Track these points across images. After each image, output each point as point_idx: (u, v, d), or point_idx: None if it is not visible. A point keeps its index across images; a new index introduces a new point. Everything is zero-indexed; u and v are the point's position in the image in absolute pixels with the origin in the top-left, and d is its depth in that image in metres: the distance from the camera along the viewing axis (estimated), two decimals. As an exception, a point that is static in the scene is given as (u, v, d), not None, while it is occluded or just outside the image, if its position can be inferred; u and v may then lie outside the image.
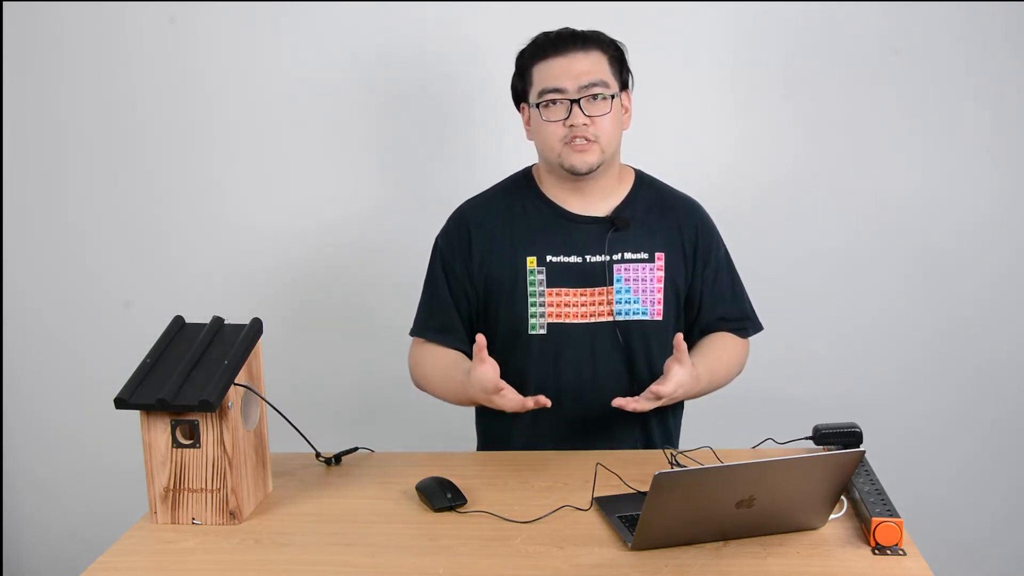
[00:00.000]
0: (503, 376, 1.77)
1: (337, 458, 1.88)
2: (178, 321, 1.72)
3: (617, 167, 1.96)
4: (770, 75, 2.50)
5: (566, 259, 1.91)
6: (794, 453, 1.78)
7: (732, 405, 2.23)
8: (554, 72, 1.85)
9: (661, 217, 1.96)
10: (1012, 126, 2.49)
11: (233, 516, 1.61)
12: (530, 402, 1.74)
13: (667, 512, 1.43)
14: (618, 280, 1.91)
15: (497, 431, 1.99)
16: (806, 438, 1.82)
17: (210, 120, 2.58)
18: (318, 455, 1.87)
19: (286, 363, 2.24)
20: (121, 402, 1.56)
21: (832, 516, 1.54)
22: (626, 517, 1.55)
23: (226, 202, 2.62)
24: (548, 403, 1.75)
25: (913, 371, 2.60)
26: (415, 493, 1.69)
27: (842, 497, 1.59)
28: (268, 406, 1.74)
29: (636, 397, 1.77)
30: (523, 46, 1.91)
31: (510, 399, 1.74)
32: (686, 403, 2.04)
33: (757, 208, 2.53)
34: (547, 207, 1.95)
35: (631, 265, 1.92)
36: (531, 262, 1.92)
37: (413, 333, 2.02)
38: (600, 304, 1.91)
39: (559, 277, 1.91)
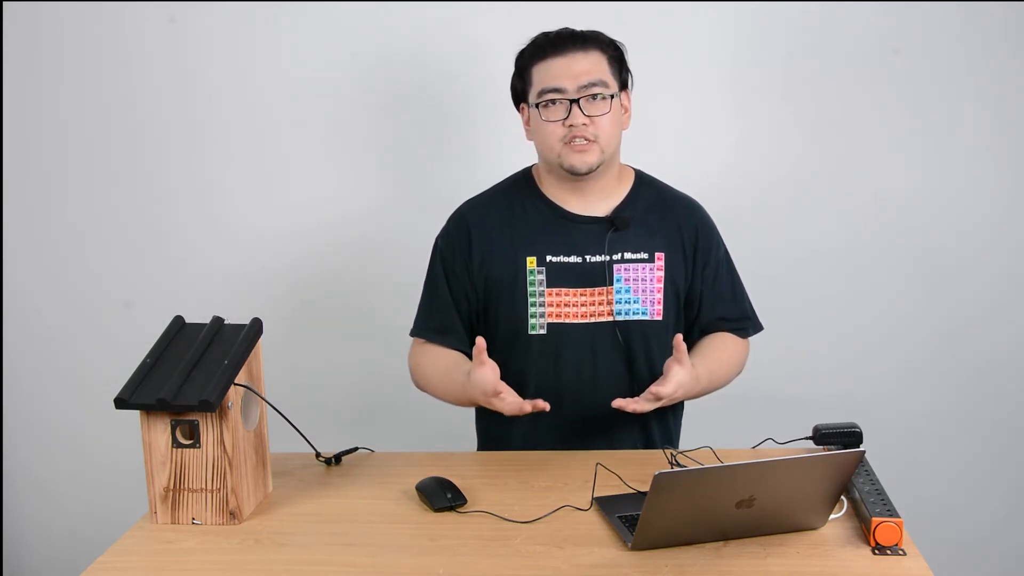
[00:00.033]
0: (503, 376, 1.77)
1: (337, 458, 1.88)
2: (178, 321, 1.72)
3: (617, 167, 1.96)
4: (770, 75, 2.50)
5: (566, 259, 1.91)
6: (794, 453, 1.78)
7: (732, 405, 2.23)
8: (553, 72, 1.85)
9: (661, 217, 1.96)
10: (1012, 126, 2.49)
11: (233, 516, 1.61)
12: (527, 406, 1.74)
13: (667, 512, 1.43)
14: (618, 280, 1.91)
15: (497, 431, 1.99)
16: (806, 438, 1.82)
17: (210, 120, 2.58)
18: (318, 455, 1.87)
19: (286, 363, 2.24)
20: (121, 402, 1.56)
21: (832, 516, 1.54)
22: (626, 517, 1.55)
23: (226, 202, 2.62)
24: (546, 407, 1.75)
25: (913, 371, 2.60)
26: (415, 493, 1.69)
27: (842, 497, 1.59)
28: (268, 406, 1.74)
29: (636, 398, 1.77)
30: (523, 46, 1.91)
31: (509, 402, 1.74)
32: (686, 403, 2.04)
33: (757, 208, 2.53)
34: (547, 207, 1.95)
35: (631, 265, 1.92)
36: (531, 262, 1.92)
37: (413, 334, 2.02)
38: (600, 304, 1.91)
39: (559, 277, 1.91)
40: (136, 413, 1.59)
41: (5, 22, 2.55)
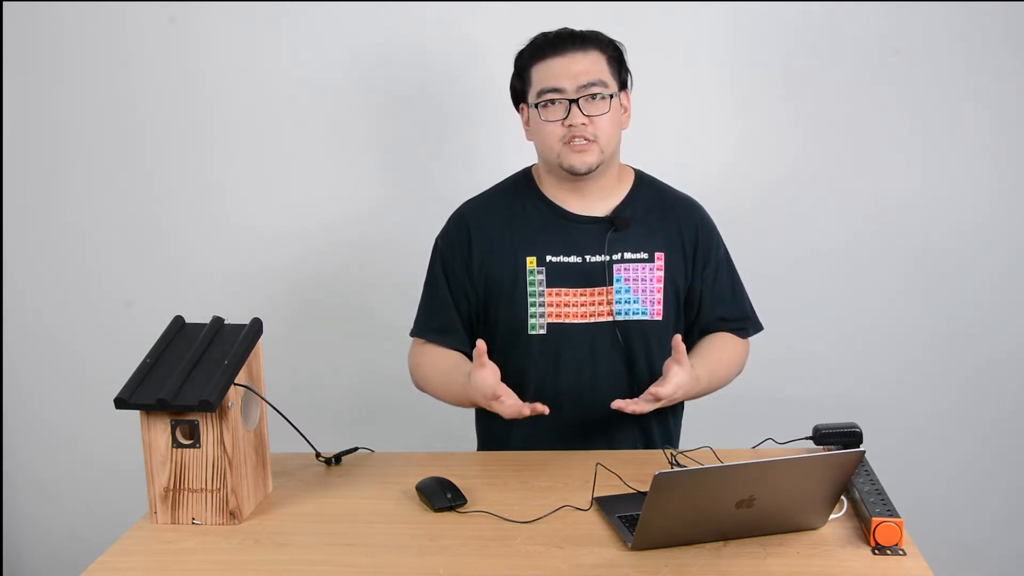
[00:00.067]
0: (503, 377, 1.77)
1: (337, 458, 1.88)
2: (178, 321, 1.72)
3: (616, 167, 1.96)
4: (770, 75, 2.50)
5: (566, 259, 1.91)
6: (794, 453, 1.78)
7: (732, 405, 2.23)
8: (553, 72, 1.85)
9: (661, 217, 1.96)
10: (1012, 126, 2.49)
11: (233, 516, 1.61)
12: (526, 410, 1.73)
13: (667, 512, 1.43)
14: (618, 280, 1.91)
15: (497, 432, 1.99)
16: (806, 438, 1.82)
17: (210, 120, 2.58)
18: (318, 455, 1.87)
19: (286, 363, 2.24)
20: (121, 402, 1.56)
21: (832, 516, 1.54)
22: (626, 517, 1.55)
23: (226, 202, 2.62)
24: (545, 411, 1.74)
25: (913, 371, 2.60)
26: (415, 493, 1.69)
27: (842, 497, 1.59)
28: (268, 406, 1.74)
29: (635, 399, 1.77)
30: (522, 46, 1.91)
31: (508, 405, 1.74)
32: (686, 403, 2.04)
33: (757, 208, 2.53)
34: (547, 207, 1.95)
35: (631, 265, 1.92)
36: (531, 262, 1.92)
37: (413, 334, 2.02)
38: (600, 304, 1.91)
39: (559, 277, 1.91)
40: (136, 413, 1.59)
41: (5, 22, 2.55)
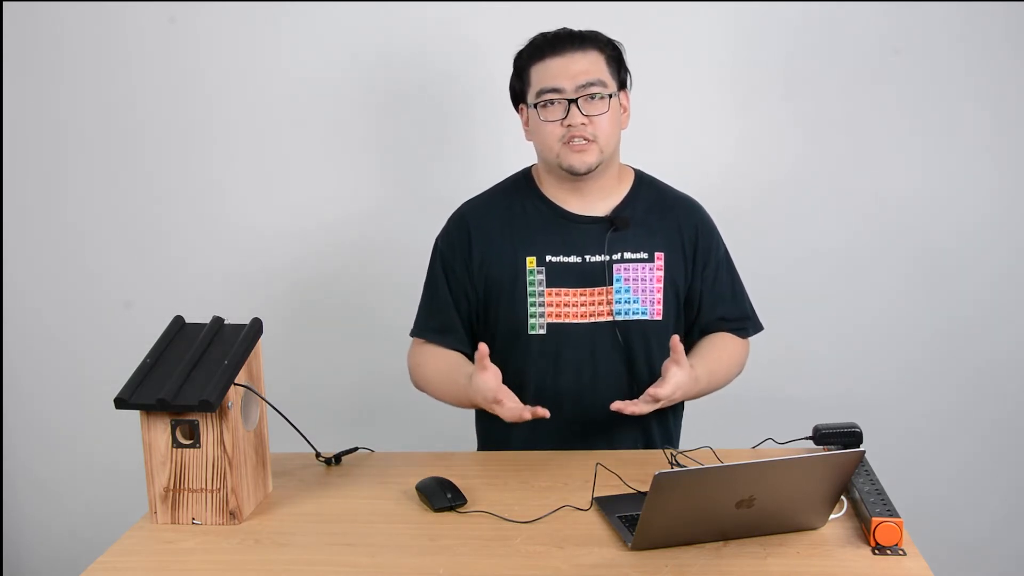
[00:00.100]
0: (503, 377, 1.77)
1: (337, 458, 1.88)
2: (178, 321, 1.72)
3: (616, 167, 1.96)
4: (770, 75, 2.50)
5: (565, 259, 1.91)
6: (794, 453, 1.78)
7: (732, 405, 2.23)
8: (551, 72, 1.85)
9: (661, 217, 1.96)
10: (1012, 126, 2.49)
11: (233, 516, 1.61)
12: (527, 414, 1.73)
13: (667, 512, 1.43)
14: (618, 280, 1.91)
15: (497, 433, 1.98)
16: (806, 438, 1.82)
17: (210, 120, 2.58)
18: (318, 455, 1.87)
19: (286, 363, 2.24)
20: (121, 402, 1.56)
21: (832, 516, 1.54)
22: (626, 517, 1.55)
23: (226, 202, 2.62)
24: (546, 414, 1.74)
25: (913, 371, 2.60)
26: (415, 493, 1.69)
27: (842, 497, 1.59)
28: (268, 406, 1.74)
29: (634, 400, 1.77)
30: (521, 47, 1.91)
31: (509, 408, 1.73)
32: (686, 404, 2.04)
33: (757, 208, 2.53)
34: (547, 207, 1.95)
35: (631, 265, 1.92)
36: (531, 262, 1.92)
37: (413, 334, 2.02)
38: (600, 304, 1.91)
39: (559, 277, 1.91)
40: (136, 413, 1.59)
41: (5, 22, 2.55)
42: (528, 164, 2.03)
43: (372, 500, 1.70)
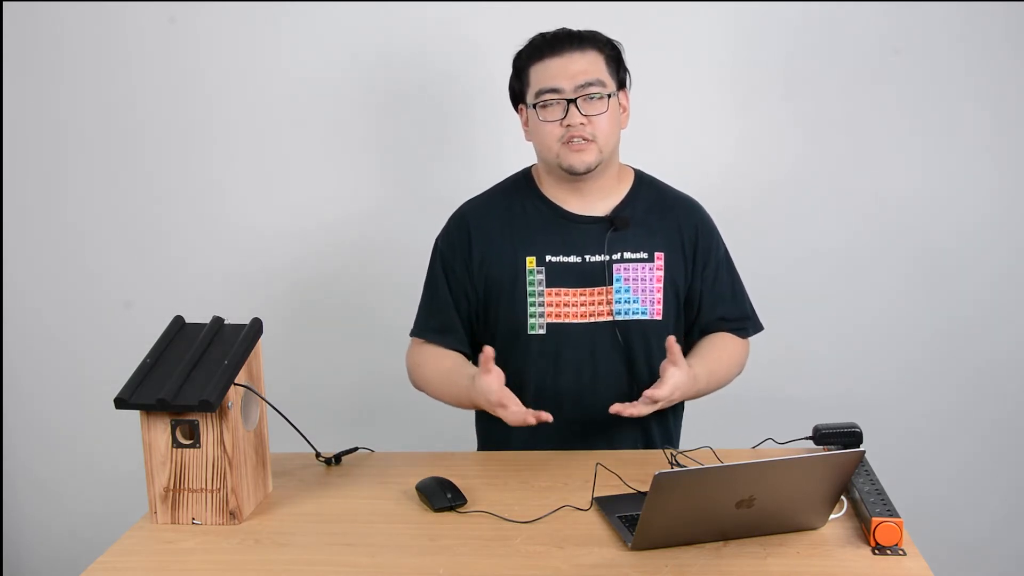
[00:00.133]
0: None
1: (337, 458, 1.88)
2: (178, 321, 1.72)
3: (616, 167, 1.96)
4: (770, 75, 2.50)
5: (565, 259, 1.91)
6: (794, 453, 1.78)
7: (732, 405, 2.23)
8: (551, 72, 1.85)
9: (661, 217, 1.96)
10: (1012, 126, 2.49)
11: (233, 516, 1.61)
12: (531, 418, 1.73)
13: (667, 512, 1.43)
14: (617, 280, 1.91)
15: (497, 433, 1.98)
16: (806, 438, 1.82)
17: (210, 120, 2.58)
18: (318, 455, 1.87)
19: (286, 363, 2.24)
20: (121, 402, 1.56)
21: (832, 516, 1.54)
22: (626, 517, 1.55)
23: (226, 202, 2.62)
24: (550, 418, 1.74)
25: (913, 371, 2.60)
26: (415, 493, 1.69)
27: (842, 497, 1.59)
28: (268, 406, 1.74)
29: (633, 403, 1.76)
30: (520, 47, 1.91)
31: (513, 411, 1.73)
32: (686, 403, 2.04)
33: (757, 208, 2.53)
34: (547, 207, 1.95)
35: (630, 265, 1.92)
36: (530, 262, 1.91)
37: (413, 334, 2.02)
38: (600, 304, 1.91)
39: (558, 277, 1.91)
40: (136, 413, 1.59)
41: (5, 22, 2.55)
42: (528, 164, 2.03)
43: (372, 500, 1.70)
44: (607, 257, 1.91)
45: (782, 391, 2.52)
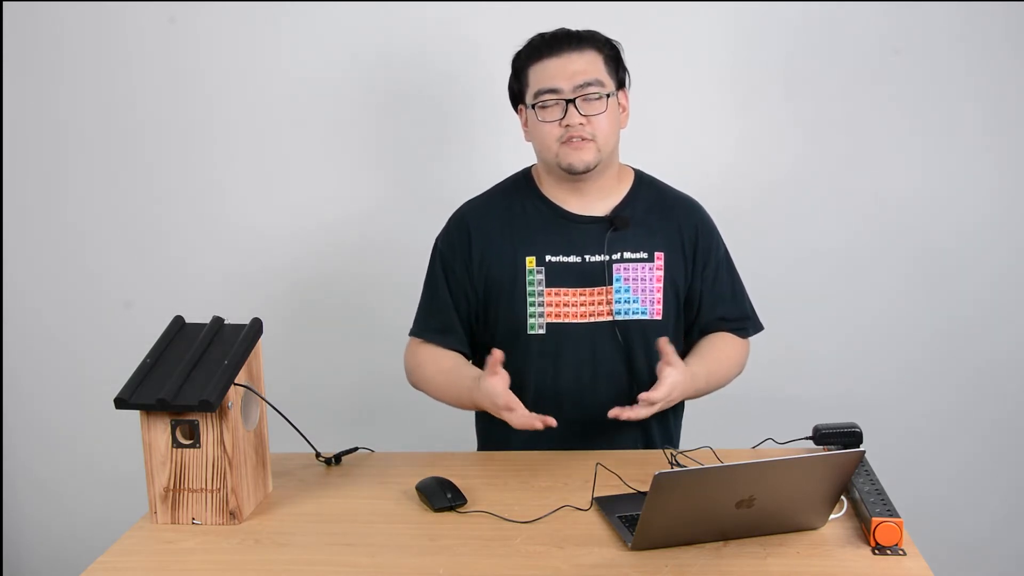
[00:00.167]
0: (503, 377, 1.77)
1: (337, 458, 1.88)
2: (178, 321, 1.72)
3: (616, 167, 1.96)
4: (770, 75, 2.50)
5: (565, 259, 1.91)
6: (794, 453, 1.78)
7: (732, 405, 2.23)
8: (549, 73, 1.85)
9: (661, 217, 1.96)
10: (1012, 126, 2.49)
11: (233, 516, 1.61)
12: (538, 422, 1.73)
13: (667, 512, 1.43)
14: (617, 280, 1.91)
15: (497, 433, 1.98)
16: (806, 438, 1.82)
17: (210, 120, 2.58)
18: (318, 455, 1.87)
19: (286, 363, 2.24)
20: (121, 402, 1.56)
21: (832, 516, 1.54)
22: (626, 517, 1.55)
23: (226, 202, 2.62)
24: (554, 423, 1.74)
25: (913, 371, 2.60)
26: (415, 493, 1.69)
27: (842, 497, 1.59)
28: (268, 406, 1.74)
29: (632, 406, 1.76)
30: (519, 48, 1.91)
31: (519, 415, 1.73)
32: (686, 403, 2.04)
33: (757, 208, 2.53)
34: (547, 207, 1.95)
35: (630, 265, 1.92)
36: (530, 262, 1.91)
37: (413, 333, 2.02)
38: (600, 304, 1.91)
39: (558, 277, 1.91)
40: (136, 413, 1.59)
41: (5, 22, 2.55)
42: (528, 164, 2.03)
43: (372, 500, 1.70)
44: (607, 257, 1.91)
45: (782, 391, 2.52)
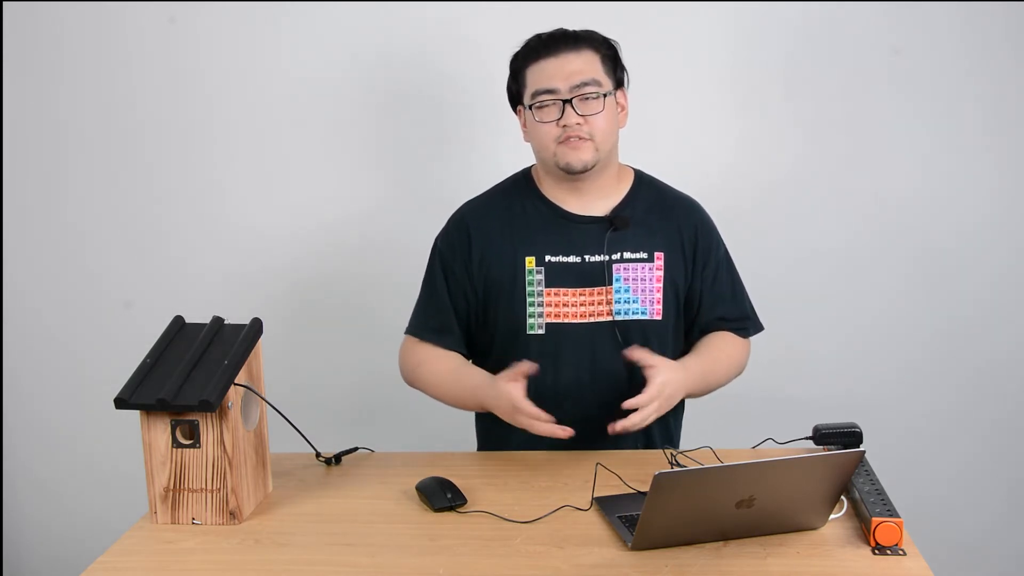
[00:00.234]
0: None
1: (337, 458, 1.88)
2: (178, 321, 1.72)
3: (615, 166, 1.96)
4: (770, 75, 2.50)
5: (565, 259, 1.91)
6: (794, 453, 1.78)
7: (732, 405, 2.23)
8: (546, 73, 1.85)
9: (661, 217, 1.96)
10: (1012, 126, 2.49)
11: (233, 516, 1.61)
12: (560, 431, 1.72)
13: (667, 512, 1.43)
14: (617, 280, 1.91)
15: (497, 433, 1.98)
16: (806, 438, 1.82)
17: (210, 120, 2.58)
18: (318, 455, 1.87)
19: (286, 363, 2.24)
20: (121, 402, 1.56)
21: (832, 516, 1.54)
22: (626, 517, 1.55)
23: (226, 202, 2.62)
24: (573, 433, 1.74)
25: (913, 371, 2.60)
26: (415, 493, 1.69)
27: (842, 497, 1.59)
28: (268, 406, 1.74)
29: (628, 416, 1.74)
30: (517, 48, 1.91)
31: (542, 427, 1.72)
32: (686, 403, 2.04)
33: (757, 208, 2.53)
34: (546, 207, 1.95)
35: (630, 265, 1.92)
36: (530, 262, 1.91)
37: (410, 332, 2.01)
38: (599, 304, 1.91)
39: (558, 277, 1.91)
40: (136, 413, 1.59)
41: (5, 22, 2.55)
42: (528, 164, 2.03)
43: (372, 500, 1.70)
44: (607, 257, 1.91)
45: (782, 391, 2.52)
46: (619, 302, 1.91)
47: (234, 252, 2.63)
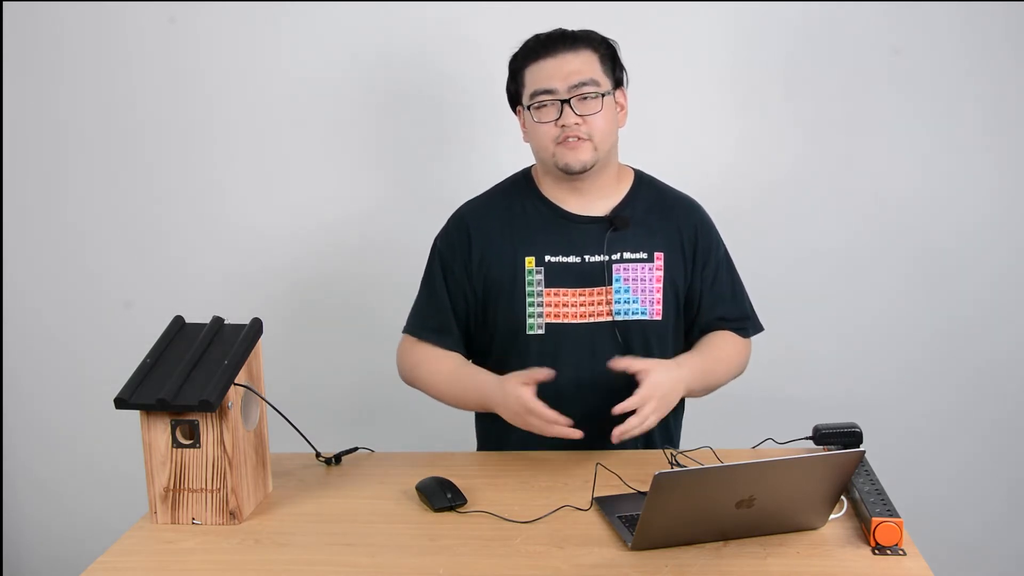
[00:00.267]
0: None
1: (337, 458, 1.88)
2: (178, 321, 1.72)
3: (615, 166, 1.96)
4: (770, 75, 2.50)
5: (564, 259, 1.91)
6: (794, 453, 1.78)
7: (732, 405, 2.23)
8: (545, 73, 1.85)
9: (660, 217, 1.96)
10: (1012, 126, 2.49)
11: (233, 516, 1.61)
12: (575, 434, 1.72)
13: (667, 512, 1.43)
14: (617, 280, 1.91)
15: (496, 433, 1.98)
16: (806, 438, 1.82)
17: (210, 120, 2.58)
18: (318, 455, 1.87)
19: (286, 363, 2.24)
20: (121, 402, 1.56)
21: (832, 516, 1.54)
22: (626, 517, 1.55)
23: (226, 202, 2.62)
24: (581, 435, 1.73)
25: (913, 371, 2.60)
26: (415, 493, 1.69)
27: (842, 497, 1.59)
28: (268, 406, 1.74)
29: (628, 420, 1.73)
30: (515, 49, 1.91)
31: (560, 432, 1.72)
32: (686, 403, 2.04)
33: (757, 208, 2.53)
34: (546, 207, 1.95)
35: (630, 265, 1.92)
36: (529, 262, 1.91)
37: (408, 331, 2.01)
38: (599, 304, 1.91)
39: (557, 277, 1.91)
40: (136, 413, 1.59)
41: (5, 22, 2.55)
42: (528, 164, 2.03)
43: (372, 500, 1.70)
44: (606, 257, 1.91)
45: (782, 391, 2.52)
46: (619, 302, 1.91)
47: (234, 252, 2.63)
